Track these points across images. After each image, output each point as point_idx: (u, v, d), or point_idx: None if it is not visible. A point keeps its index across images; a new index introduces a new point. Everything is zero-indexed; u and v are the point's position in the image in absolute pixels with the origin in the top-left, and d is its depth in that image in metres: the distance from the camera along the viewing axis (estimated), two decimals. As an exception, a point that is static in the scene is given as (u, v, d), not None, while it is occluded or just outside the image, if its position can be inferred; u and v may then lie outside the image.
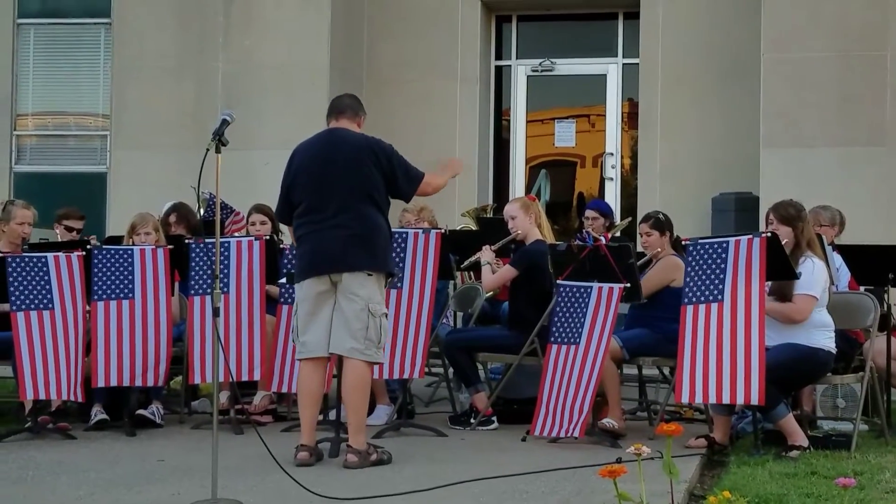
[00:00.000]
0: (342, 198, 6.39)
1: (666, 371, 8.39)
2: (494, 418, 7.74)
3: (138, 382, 7.55)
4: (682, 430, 4.10)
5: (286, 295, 7.76)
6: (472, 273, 9.39)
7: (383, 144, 6.57)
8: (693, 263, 6.72)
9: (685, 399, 6.76)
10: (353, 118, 6.64)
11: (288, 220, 6.67)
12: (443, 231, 7.70)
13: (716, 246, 6.68)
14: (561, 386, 7.07)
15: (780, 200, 7.23)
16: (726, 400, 6.60)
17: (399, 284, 7.42)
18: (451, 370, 8.23)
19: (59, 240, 8.59)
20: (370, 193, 6.43)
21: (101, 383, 7.47)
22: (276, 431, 7.33)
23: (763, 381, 6.46)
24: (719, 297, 6.61)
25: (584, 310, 7.07)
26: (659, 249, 7.69)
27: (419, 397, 8.76)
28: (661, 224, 7.74)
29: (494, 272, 8.00)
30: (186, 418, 7.99)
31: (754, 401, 6.51)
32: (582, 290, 7.12)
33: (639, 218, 8.26)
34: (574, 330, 7.09)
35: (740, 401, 6.57)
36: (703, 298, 6.65)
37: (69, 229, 8.73)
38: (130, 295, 7.54)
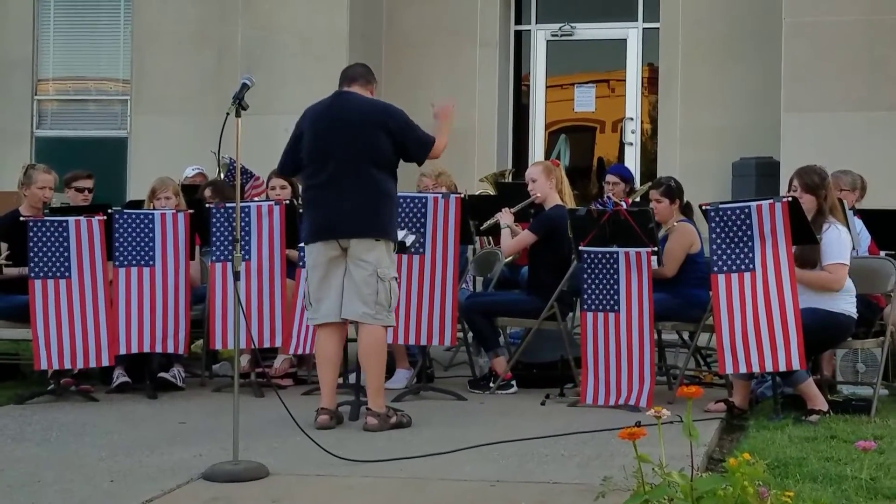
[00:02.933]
0: (348, 163, 6.36)
1: (685, 336, 8.38)
2: (514, 382, 7.75)
3: (159, 349, 7.57)
4: (702, 392, 4.09)
5: (305, 259, 7.77)
6: (491, 238, 9.38)
7: (393, 109, 6.54)
8: (717, 230, 6.68)
9: (729, 370, 6.72)
10: (366, 85, 6.61)
11: (290, 172, 6.79)
12: (462, 196, 7.69)
13: (738, 211, 6.65)
14: (608, 354, 7.03)
15: (805, 166, 7.16)
16: (769, 368, 6.59)
17: (421, 250, 7.42)
18: (470, 334, 8.24)
19: (71, 204, 8.57)
20: (377, 159, 6.40)
21: (122, 350, 7.49)
22: (296, 395, 7.35)
23: (802, 346, 6.46)
24: (750, 265, 6.60)
25: (616, 276, 7.02)
26: (671, 218, 7.63)
27: (439, 361, 8.78)
28: (671, 191, 7.67)
29: (514, 235, 7.99)
30: (207, 381, 8.03)
31: (795, 366, 6.52)
32: (608, 256, 7.07)
33: (657, 184, 8.21)
34: (609, 297, 7.03)
35: (782, 368, 6.55)
36: (733, 267, 6.63)
37: (80, 190, 8.72)
38: (151, 262, 7.55)
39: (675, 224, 7.59)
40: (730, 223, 6.66)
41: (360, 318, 6.39)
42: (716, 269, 6.69)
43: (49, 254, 7.29)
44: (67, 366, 7.35)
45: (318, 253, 6.44)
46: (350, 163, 6.36)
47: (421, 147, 6.53)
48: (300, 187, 6.66)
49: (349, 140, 6.38)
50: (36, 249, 7.28)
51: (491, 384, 7.72)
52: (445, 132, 6.69)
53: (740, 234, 6.64)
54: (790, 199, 6.67)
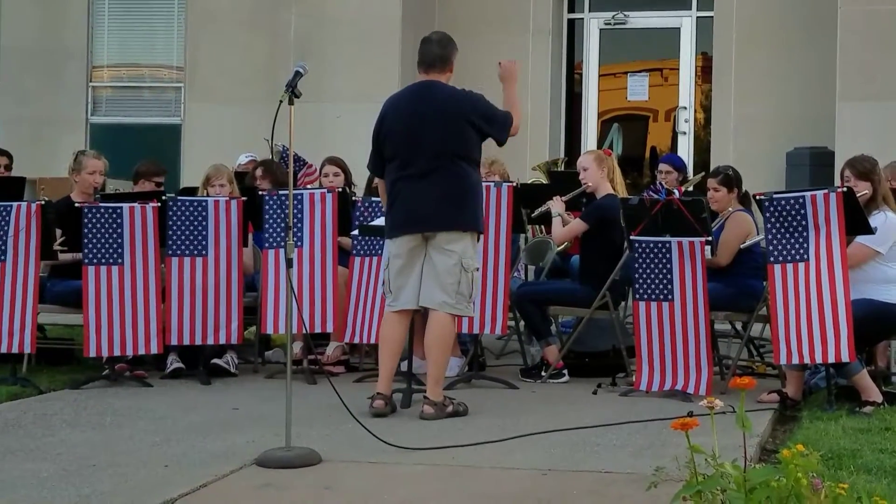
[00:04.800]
0: (435, 156, 6.37)
1: (738, 326, 8.33)
2: (565, 371, 7.74)
3: (211, 340, 7.63)
4: (755, 383, 4.06)
5: (358, 247, 7.80)
6: (542, 227, 9.37)
7: (473, 97, 6.51)
8: (772, 220, 6.65)
9: (783, 361, 6.70)
10: (443, 69, 6.55)
11: (380, 172, 6.67)
12: (514, 184, 7.68)
13: (792, 201, 6.62)
14: (663, 342, 7.02)
15: (854, 156, 7.15)
16: (820, 359, 6.56)
17: (473, 238, 7.42)
18: (522, 323, 8.24)
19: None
20: (462, 151, 6.42)
21: (174, 341, 7.57)
22: (348, 382, 7.37)
23: (852, 339, 6.42)
24: (805, 256, 6.57)
25: (669, 265, 6.99)
26: (728, 208, 7.59)
27: (490, 350, 8.78)
28: (729, 180, 7.63)
29: (565, 224, 7.98)
30: (260, 368, 8.08)
31: (845, 358, 6.50)
32: (661, 245, 7.04)
33: (712, 173, 8.16)
34: (663, 286, 7.01)
35: (832, 359, 6.53)
36: (789, 258, 6.61)
37: (159, 185, 8.75)
38: (204, 252, 7.59)
39: (732, 213, 7.54)
40: (784, 213, 6.62)
41: (438, 306, 6.40)
42: (772, 259, 6.66)
43: (103, 240, 7.35)
44: (117, 353, 7.41)
45: (400, 243, 6.45)
46: (438, 156, 6.36)
47: (502, 130, 6.50)
48: (386, 180, 6.59)
49: (436, 134, 6.37)
50: (90, 236, 7.35)
51: (542, 373, 7.72)
52: (515, 98, 6.65)
53: (795, 223, 6.59)
54: (845, 189, 6.63)
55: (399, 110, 6.54)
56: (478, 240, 6.57)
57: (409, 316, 6.59)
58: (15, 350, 7.43)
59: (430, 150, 6.37)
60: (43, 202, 7.57)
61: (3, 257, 7.40)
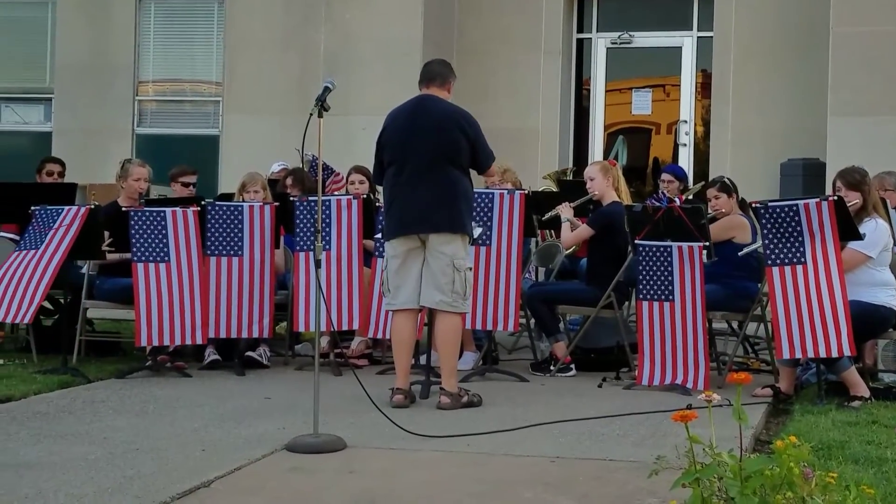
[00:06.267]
0: (430, 161, 6.35)
1: (734, 325, 8.29)
2: (573, 366, 7.71)
3: (245, 334, 7.63)
4: (750, 379, 4.02)
5: (381, 249, 7.78)
6: (552, 231, 9.34)
7: (471, 118, 6.52)
8: (768, 226, 6.62)
9: (786, 355, 6.64)
10: (443, 85, 6.57)
11: (380, 180, 6.68)
12: (526, 192, 7.66)
13: (787, 209, 6.58)
14: (664, 339, 6.99)
15: (845, 168, 7.10)
16: (823, 354, 6.51)
17: (488, 242, 7.41)
18: (532, 321, 8.21)
19: (175, 197, 8.65)
20: (455, 158, 6.39)
21: (211, 334, 7.56)
22: (371, 374, 7.37)
23: (851, 334, 6.38)
24: (802, 259, 6.54)
25: (670, 268, 6.97)
26: (731, 212, 7.56)
27: (503, 345, 8.76)
28: (727, 187, 7.61)
29: (574, 229, 7.95)
30: (290, 360, 8.07)
31: (846, 352, 6.47)
32: (662, 249, 7.02)
33: (710, 184, 8.12)
34: (664, 287, 6.98)
35: (834, 354, 6.49)
36: (786, 261, 6.58)
37: (185, 185, 8.80)
38: (240, 252, 7.60)
39: (730, 215, 7.51)
40: (780, 220, 6.59)
41: (436, 305, 6.38)
42: (769, 262, 6.64)
43: (150, 239, 7.37)
44: (166, 342, 7.42)
45: (397, 245, 6.44)
46: (430, 162, 6.34)
47: (487, 158, 6.55)
48: (384, 186, 6.60)
49: (430, 141, 6.36)
50: (137, 236, 7.37)
51: (551, 367, 7.69)
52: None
53: (790, 230, 6.56)
54: (836, 197, 6.59)
55: (398, 121, 6.52)
56: (469, 242, 6.53)
57: (415, 315, 6.53)
58: (18, 320, 7.61)
59: (425, 157, 6.34)
60: (93, 206, 7.60)
61: (39, 247, 7.48)
